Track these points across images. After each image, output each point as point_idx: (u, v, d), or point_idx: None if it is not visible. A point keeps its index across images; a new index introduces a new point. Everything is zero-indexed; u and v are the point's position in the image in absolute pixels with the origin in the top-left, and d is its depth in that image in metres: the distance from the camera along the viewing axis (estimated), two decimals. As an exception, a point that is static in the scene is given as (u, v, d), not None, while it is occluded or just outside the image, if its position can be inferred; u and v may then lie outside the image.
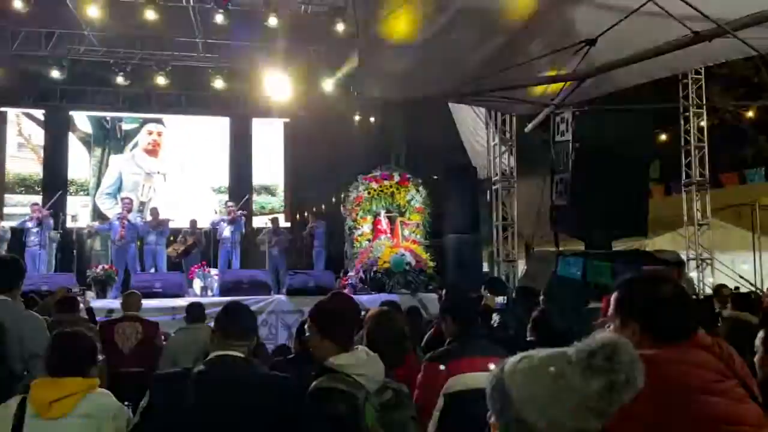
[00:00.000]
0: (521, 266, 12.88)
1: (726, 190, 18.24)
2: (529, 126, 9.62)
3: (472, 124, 14.02)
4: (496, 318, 4.87)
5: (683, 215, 13.67)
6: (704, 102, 13.19)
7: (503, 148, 12.62)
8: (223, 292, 9.82)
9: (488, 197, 13.19)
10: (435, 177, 14.33)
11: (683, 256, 12.17)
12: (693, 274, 12.85)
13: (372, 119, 19.07)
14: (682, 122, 13.56)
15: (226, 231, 12.23)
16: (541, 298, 5.81)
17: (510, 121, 12.55)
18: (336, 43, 15.00)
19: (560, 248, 11.48)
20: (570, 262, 10.12)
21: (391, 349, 3.40)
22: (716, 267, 13.29)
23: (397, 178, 11.35)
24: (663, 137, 18.38)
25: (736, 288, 10.42)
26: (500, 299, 4.99)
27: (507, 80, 6.88)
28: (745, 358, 2.33)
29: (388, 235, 11.02)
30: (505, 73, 6.70)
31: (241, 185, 17.48)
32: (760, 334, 2.36)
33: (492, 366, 2.87)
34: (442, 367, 3.01)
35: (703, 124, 13.44)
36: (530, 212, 13.27)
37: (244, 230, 12.98)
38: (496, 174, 12.67)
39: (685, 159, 13.53)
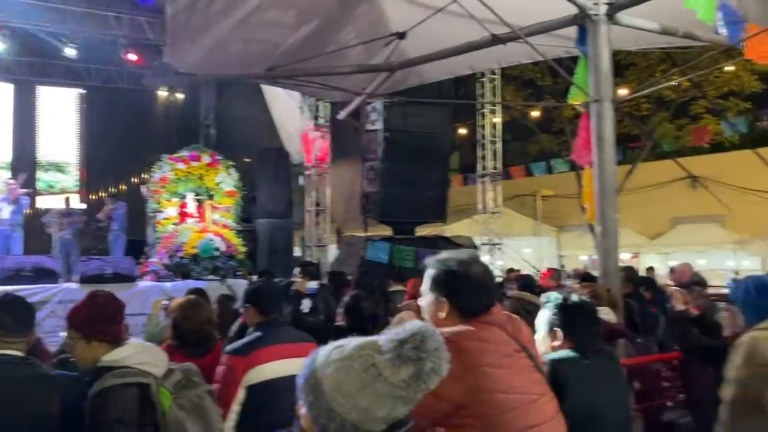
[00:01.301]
0: (333, 251, 13.13)
1: (514, 182, 20.27)
2: (342, 113, 9.77)
3: (286, 108, 13.92)
4: (307, 303, 4.89)
5: (478, 203, 14.89)
6: (498, 100, 14.44)
7: (317, 134, 12.71)
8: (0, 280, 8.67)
9: (301, 182, 13.22)
10: (247, 159, 14.00)
11: (477, 241, 13.30)
12: (485, 257, 14.09)
13: (180, 95, 18.09)
14: (478, 118, 14.73)
15: (5, 212, 10.81)
16: (351, 282, 5.95)
17: (324, 107, 12.67)
18: (141, 11, 13.95)
19: (369, 233, 11.91)
20: (378, 246, 10.56)
21: (197, 339, 3.26)
22: (504, 251, 14.71)
23: (206, 159, 10.82)
24: (462, 131, 19.86)
25: (518, 270, 11.63)
26: (312, 284, 5.01)
27: (320, 66, 6.91)
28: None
29: (196, 219, 10.51)
30: (319, 59, 6.72)
31: (24, 160, 15.59)
32: (542, 313, 2.62)
33: (297, 353, 2.87)
34: (241, 358, 2.95)
35: (497, 120, 14.74)
36: (342, 198, 13.60)
37: (27, 211, 11.59)
38: (310, 159, 12.73)
39: (480, 152, 14.73)
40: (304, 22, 6.56)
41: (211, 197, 10.69)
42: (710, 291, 8.92)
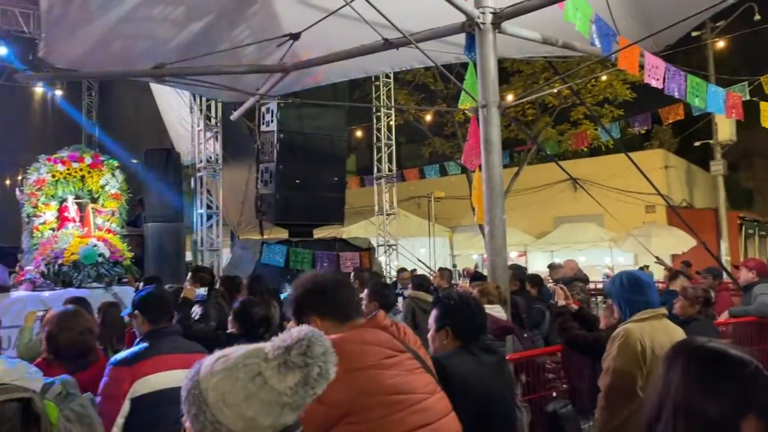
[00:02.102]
0: (226, 255, 12.78)
1: (408, 184, 20.68)
2: (235, 114, 9.56)
3: (176, 107, 13.40)
4: (197, 310, 4.73)
5: (374, 205, 15.05)
6: (392, 104, 14.67)
7: (208, 135, 12.33)
8: None
9: (192, 184, 12.77)
10: (135, 161, 13.34)
11: (374, 242, 13.42)
12: (382, 258, 14.25)
13: (59, 92, 16.94)
14: (374, 121, 14.89)
15: None
16: (244, 286, 5.83)
17: (216, 106, 12.31)
18: (13, 1, 12.96)
19: (265, 236, 11.70)
20: (274, 249, 10.39)
21: (76, 352, 3.06)
22: (400, 251, 14.95)
23: (88, 160, 10.17)
24: (358, 133, 20.00)
25: (413, 270, 11.85)
26: (202, 290, 4.84)
27: (211, 65, 6.71)
28: (422, 333, 2.65)
29: (77, 223, 9.86)
30: (210, 58, 6.53)
31: None
32: (433, 312, 2.69)
33: (185, 363, 2.78)
34: (127, 369, 2.82)
35: (392, 123, 14.96)
36: (236, 200, 13.25)
37: None
38: (201, 160, 12.33)
39: (376, 154, 14.89)
40: (194, 18, 6.35)
41: (94, 200, 10.08)
42: (590, 286, 9.55)
